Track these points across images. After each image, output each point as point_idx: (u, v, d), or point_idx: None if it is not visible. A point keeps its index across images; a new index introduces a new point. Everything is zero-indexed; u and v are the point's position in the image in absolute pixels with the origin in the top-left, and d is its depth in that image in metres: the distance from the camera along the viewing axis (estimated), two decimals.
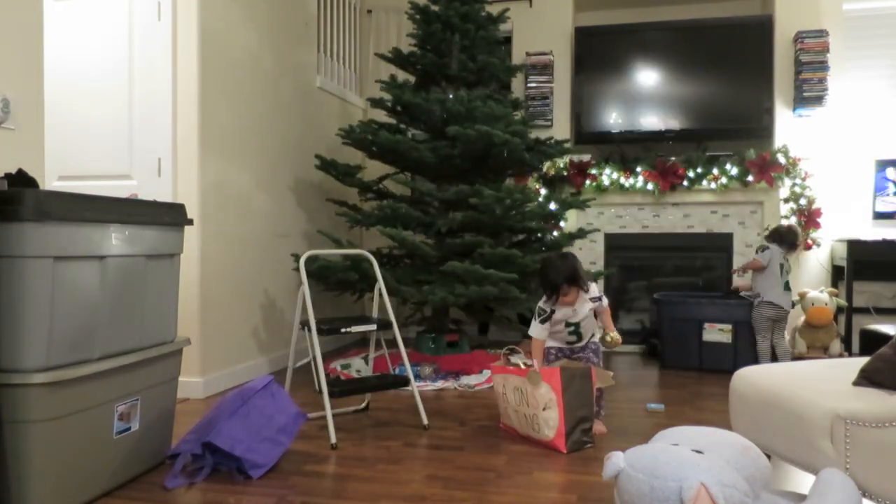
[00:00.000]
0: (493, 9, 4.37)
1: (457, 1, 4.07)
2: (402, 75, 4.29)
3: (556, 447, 2.45)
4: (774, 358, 3.80)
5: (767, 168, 4.45)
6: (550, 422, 2.46)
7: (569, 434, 2.44)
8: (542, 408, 2.48)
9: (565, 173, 4.74)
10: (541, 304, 2.75)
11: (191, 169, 3.25)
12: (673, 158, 4.62)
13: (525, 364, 2.67)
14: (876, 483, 1.59)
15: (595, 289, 2.79)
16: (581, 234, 4.24)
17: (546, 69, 4.92)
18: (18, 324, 1.76)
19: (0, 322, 1.76)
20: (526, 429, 2.59)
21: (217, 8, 3.38)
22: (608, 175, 4.69)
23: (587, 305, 2.74)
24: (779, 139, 4.61)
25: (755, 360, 3.80)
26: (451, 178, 4.04)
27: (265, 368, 3.79)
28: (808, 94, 4.51)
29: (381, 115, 4.60)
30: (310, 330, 2.68)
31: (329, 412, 2.58)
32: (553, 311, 2.71)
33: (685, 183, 4.59)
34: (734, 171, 4.50)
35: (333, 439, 2.52)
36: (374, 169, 4.64)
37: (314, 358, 2.67)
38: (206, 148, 3.30)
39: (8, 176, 1.96)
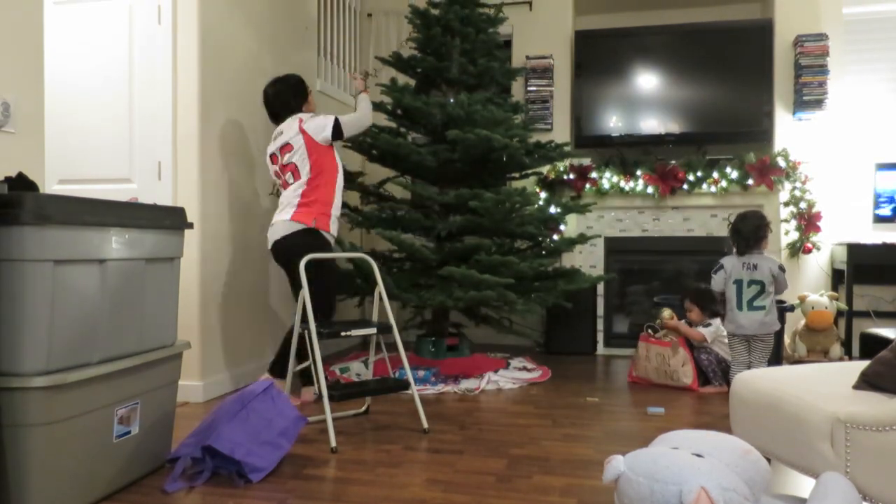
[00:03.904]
0: (493, 12, 4.38)
1: (457, 4, 4.07)
2: (402, 79, 4.29)
3: (692, 388, 3.57)
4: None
5: (767, 171, 4.46)
6: (688, 374, 3.58)
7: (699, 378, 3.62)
8: (682, 365, 3.58)
9: (565, 177, 4.74)
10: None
11: (191, 172, 3.25)
12: (673, 162, 4.63)
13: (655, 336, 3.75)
14: (876, 487, 1.59)
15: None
16: (582, 238, 4.23)
17: (546, 73, 4.93)
18: (18, 327, 1.76)
19: (0, 325, 1.76)
20: (664, 379, 3.65)
21: (217, 11, 3.39)
22: (608, 179, 4.70)
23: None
24: (779, 143, 4.62)
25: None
26: (451, 181, 4.04)
27: (265, 372, 3.79)
28: (807, 97, 4.52)
29: (380, 119, 4.60)
30: (310, 333, 2.68)
31: (329, 416, 2.58)
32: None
33: (685, 186, 4.59)
34: (734, 174, 4.51)
35: (333, 443, 2.52)
36: (374, 172, 4.64)
37: (314, 361, 2.67)
38: (206, 151, 3.30)
39: (8, 179, 1.96)
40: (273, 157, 3.28)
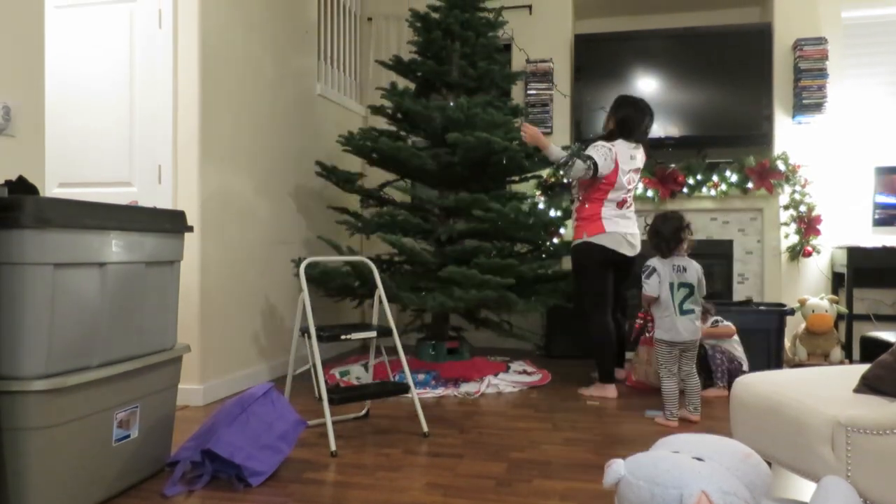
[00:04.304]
0: (493, 16, 4.39)
1: (457, 8, 4.08)
2: (402, 82, 4.30)
3: None
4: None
5: (767, 175, 4.46)
6: None
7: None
8: None
9: (565, 181, 4.74)
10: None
11: (191, 176, 3.26)
12: (673, 165, 4.63)
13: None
14: (877, 491, 1.58)
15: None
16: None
17: (546, 76, 4.94)
18: (18, 331, 1.76)
19: (0, 328, 1.76)
20: None
21: (218, 15, 3.39)
22: None
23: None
24: (778, 146, 4.62)
25: (755, 366, 3.79)
26: (451, 185, 4.04)
27: (265, 375, 3.79)
28: (807, 101, 4.52)
29: (381, 123, 4.61)
30: (309, 337, 2.68)
31: (329, 419, 2.58)
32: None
33: (685, 190, 4.60)
34: (734, 178, 4.51)
35: (333, 447, 2.51)
36: (374, 176, 4.64)
37: (314, 365, 2.67)
38: (206, 155, 3.31)
39: (8, 183, 1.96)
40: (633, 172, 3.61)
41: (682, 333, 3.00)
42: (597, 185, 3.51)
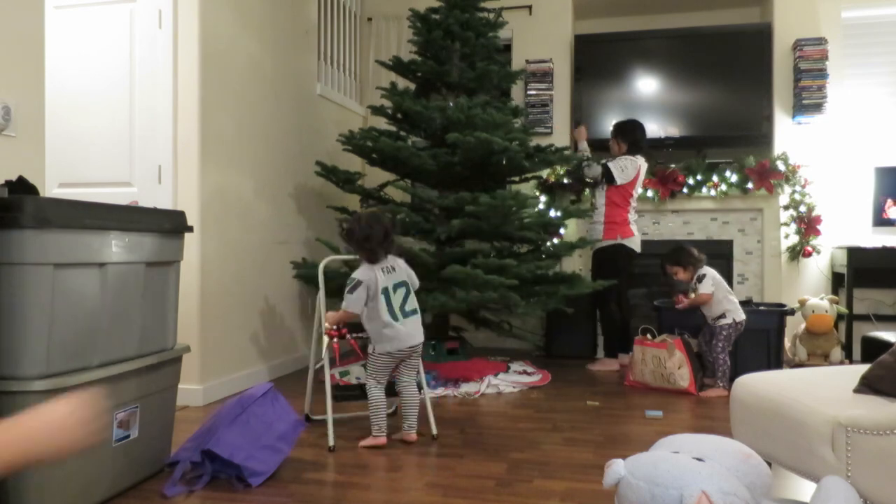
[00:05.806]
0: (493, 17, 4.39)
1: (457, 9, 4.08)
2: (402, 82, 4.30)
3: (690, 392, 3.55)
4: None
5: (767, 175, 4.46)
6: (685, 376, 3.55)
7: (696, 382, 3.59)
8: (678, 367, 3.56)
9: (565, 181, 4.74)
10: None
11: (191, 176, 3.25)
12: (672, 166, 4.63)
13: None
14: (877, 491, 1.58)
15: None
16: (582, 243, 4.24)
17: (546, 77, 4.93)
18: (18, 331, 1.76)
19: (0, 329, 1.76)
20: (661, 383, 3.64)
21: (218, 16, 3.39)
22: None
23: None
24: (778, 146, 4.62)
25: (755, 367, 3.78)
26: (451, 185, 4.04)
27: (265, 376, 3.79)
28: (807, 101, 4.52)
29: (381, 123, 4.61)
30: (321, 336, 2.71)
31: (330, 415, 2.59)
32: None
33: (685, 190, 4.59)
34: (734, 178, 4.51)
35: (332, 441, 2.53)
36: (374, 176, 4.64)
37: (324, 364, 2.70)
38: (206, 155, 3.31)
39: (8, 183, 1.96)
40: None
41: (411, 336, 2.63)
42: (622, 191, 4.18)
